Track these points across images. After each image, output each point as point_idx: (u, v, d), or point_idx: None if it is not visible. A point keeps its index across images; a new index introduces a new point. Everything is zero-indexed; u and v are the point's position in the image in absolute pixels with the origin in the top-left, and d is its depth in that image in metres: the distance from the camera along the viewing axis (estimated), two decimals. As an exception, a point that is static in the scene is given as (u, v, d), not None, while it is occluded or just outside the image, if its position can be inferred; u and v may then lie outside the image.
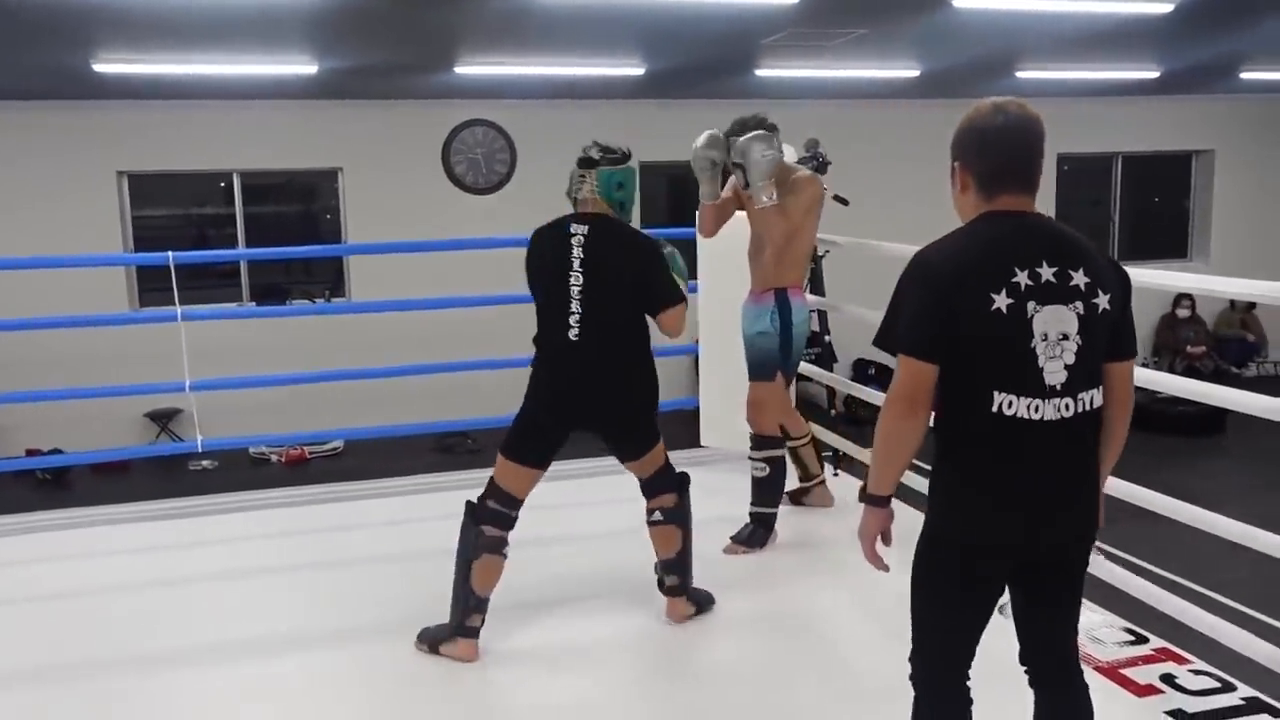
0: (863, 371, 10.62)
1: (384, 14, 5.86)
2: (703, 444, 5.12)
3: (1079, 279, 1.99)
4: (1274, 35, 7.50)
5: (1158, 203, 12.03)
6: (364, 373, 6.23)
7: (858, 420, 7.98)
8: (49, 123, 8.51)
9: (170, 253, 4.74)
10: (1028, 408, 1.96)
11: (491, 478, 3.18)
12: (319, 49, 6.87)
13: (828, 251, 5.02)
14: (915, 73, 8.68)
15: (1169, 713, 2.73)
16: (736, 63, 7.94)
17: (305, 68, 7.30)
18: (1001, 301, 1.94)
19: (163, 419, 8.75)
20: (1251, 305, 11.25)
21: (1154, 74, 9.34)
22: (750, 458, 4.11)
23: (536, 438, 3.18)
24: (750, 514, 4.05)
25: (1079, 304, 1.98)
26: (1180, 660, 2.99)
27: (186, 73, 7.26)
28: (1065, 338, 1.97)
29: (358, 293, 9.43)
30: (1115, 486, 2.93)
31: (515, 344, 6.47)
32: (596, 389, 3.16)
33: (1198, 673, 2.92)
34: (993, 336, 1.95)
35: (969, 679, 2.16)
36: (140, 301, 9.02)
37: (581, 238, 3.14)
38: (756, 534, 4.01)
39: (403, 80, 8.21)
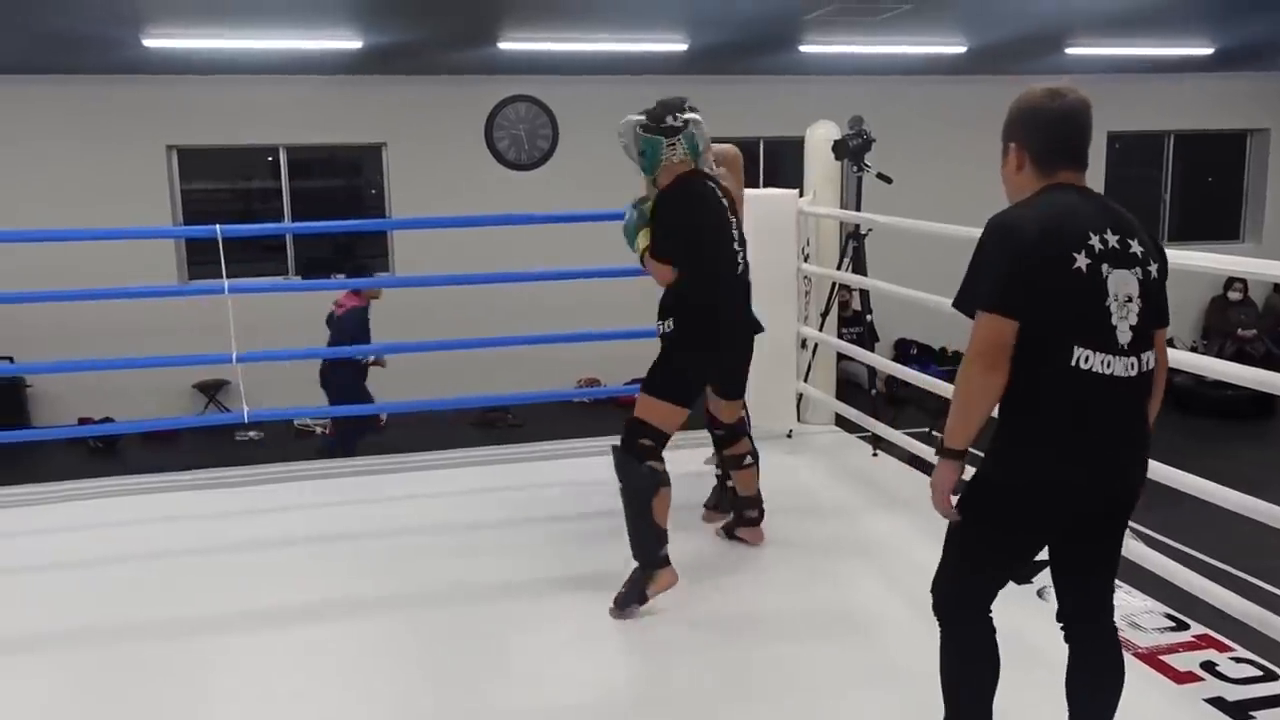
0: (904, 351, 10.56)
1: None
2: (743, 421, 5.13)
3: (1136, 248, 2.11)
4: (1335, 11, 7.32)
5: (1210, 182, 11.80)
6: (406, 346, 6.29)
7: (897, 400, 7.93)
8: (102, 97, 8.65)
9: (218, 226, 4.78)
10: (1103, 363, 2.05)
11: (639, 419, 3.31)
12: (364, 24, 6.91)
13: (870, 230, 4.98)
14: (962, 49, 8.56)
15: (1209, 700, 2.70)
16: (780, 38, 7.88)
17: (350, 43, 7.35)
18: (1082, 261, 2.04)
19: (211, 390, 8.91)
20: (1306, 288, 11.02)
21: (1208, 51, 9.14)
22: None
23: (698, 378, 3.45)
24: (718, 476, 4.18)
25: (1139, 270, 2.10)
26: (1221, 648, 2.96)
27: (234, 47, 7.34)
28: (1130, 300, 2.08)
29: (401, 267, 9.51)
30: (1157, 470, 2.90)
31: (556, 320, 6.52)
32: (748, 324, 3.52)
33: (1239, 660, 2.89)
34: (1074, 291, 2.04)
35: (991, 612, 2.26)
36: (189, 274, 9.17)
37: (715, 187, 3.44)
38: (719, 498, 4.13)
39: (446, 56, 8.24)
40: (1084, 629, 2.28)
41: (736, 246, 3.46)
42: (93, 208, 8.43)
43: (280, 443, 8.36)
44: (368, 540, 4.00)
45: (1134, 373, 2.09)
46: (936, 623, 2.29)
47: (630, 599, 3.22)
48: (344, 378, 6.97)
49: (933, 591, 2.28)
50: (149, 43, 7.01)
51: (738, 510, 3.78)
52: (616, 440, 3.34)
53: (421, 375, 7.85)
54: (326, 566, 3.74)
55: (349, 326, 6.83)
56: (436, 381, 7.61)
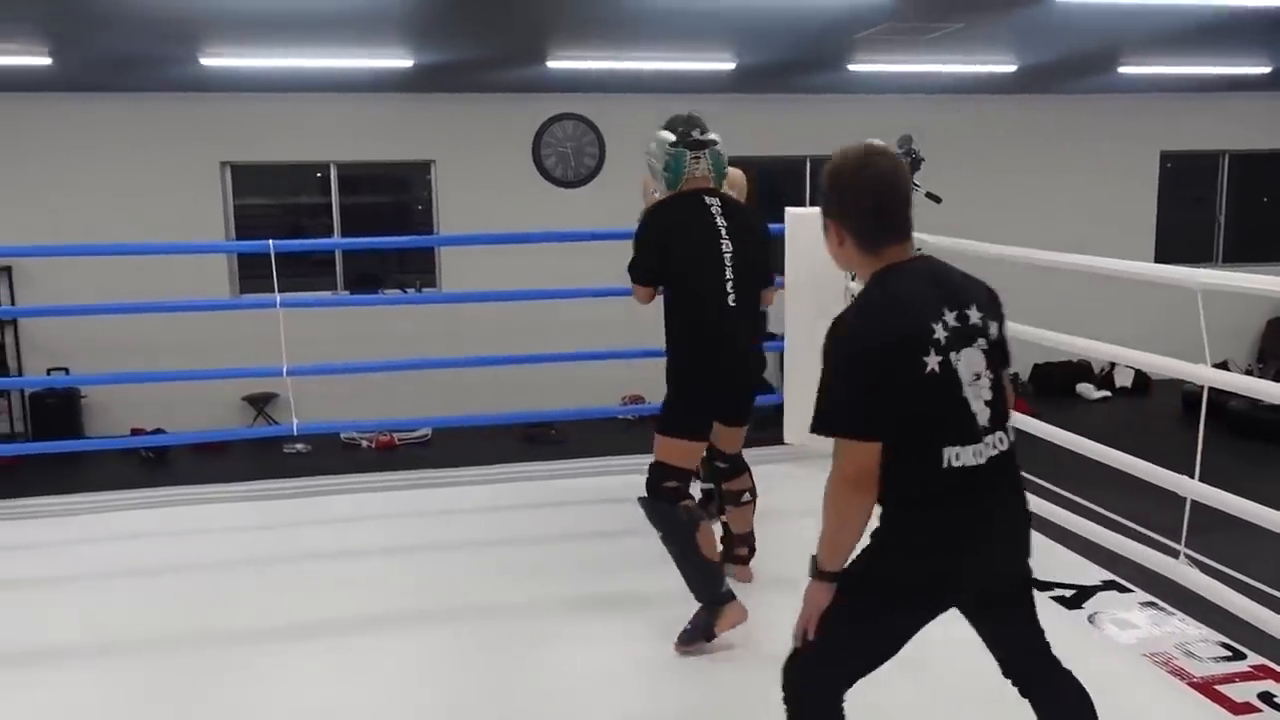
0: (951, 371, 10.45)
1: (478, 8, 5.95)
2: (786, 440, 5.10)
3: (975, 316, 2.02)
4: (1397, 29, 7.16)
5: (1266, 203, 11.57)
6: (453, 361, 6.34)
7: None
8: (159, 114, 8.84)
9: (271, 241, 4.87)
10: (973, 454, 1.98)
11: (659, 462, 3.23)
12: (415, 43, 7.01)
13: (918, 250, 4.94)
14: (1012, 68, 8.49)
15: (1266, 732, 2.65)
16: (829, 57, 7.87)
17: (401, 61, 7.45)
18: (933, 361, 1.95)
19: (260, 402, 9.03)
20: (1366, 311, 10.76)
21: (1265, 69, 8.98)
22: None
23: (704, 411, 3.29)
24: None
25: (982, 340, 2.02)
26: (1280, 678, 2.90)
27: (288, 66, 7.48)
28: (979, 377, 2.00)
29: (448, 283, 9.60)
30: (1210, 495, 2.85)
31: (600, 337, 6.54)
32: (747, 358, 3.35)
33: (1298, 692, 2.82)
34: (931, 395, 1.96)
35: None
36: (241, 288, 9.32)
37: (718, 209, 3.27)
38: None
39: (495, 74, 8.33)
40: (1036, 675, 2.21)
41: (729, 274, 3.21)
42: (149, 222, 8.61)
43: (327, 455, 8.44)
44: (410, 554, 4.03)
45: (1002, 447, 2.03)
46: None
47: (695, 636, 3.11)
48: None
49: (793, 672, 2.14)
50: (206, 62, 7.17)
51: (728, 546, 3.62)
52: (642, 492, 3.25)
53: (467, 390, 7.92)
54: (368, 580, 3.77)
55: None
56: (482, 396, 7.67)
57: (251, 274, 9.13)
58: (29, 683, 3.06)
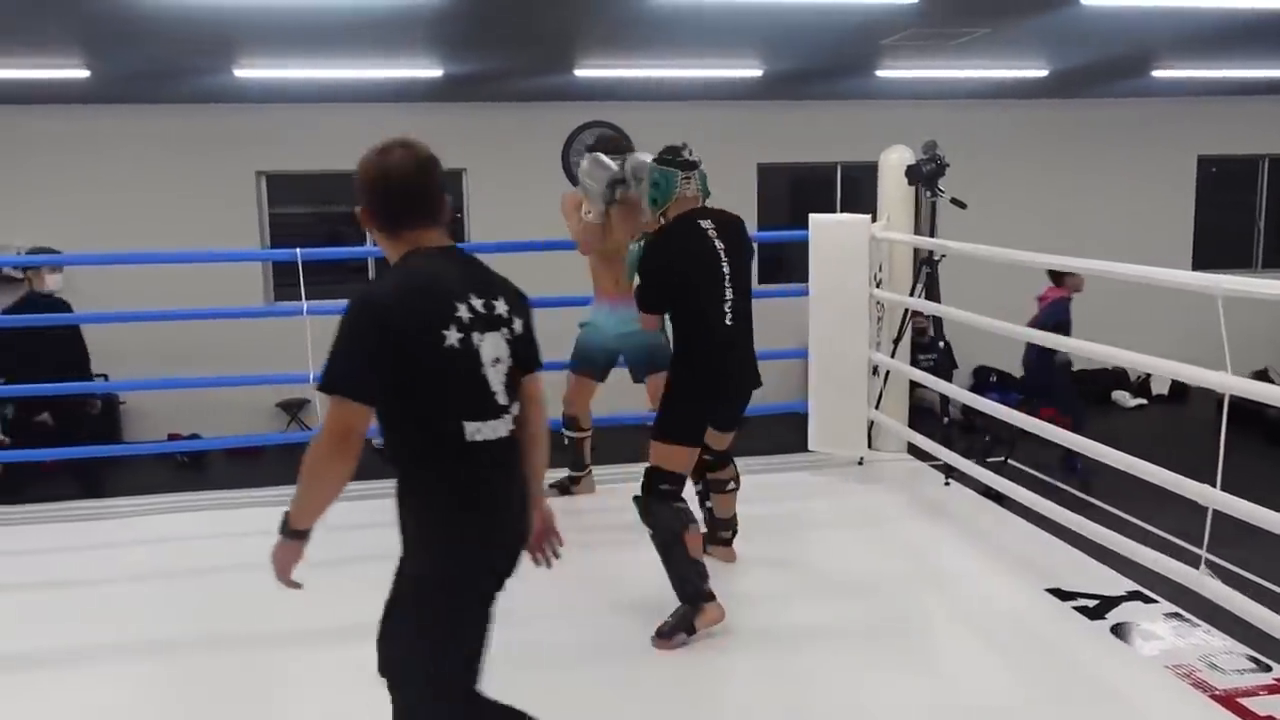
0: (984, 378, 10.38)
1: (505, 19, 6.00)
2: (810, 448, 5.10)
3: (500, 308, 2.20)
4: None
5: (1308, 207, 11.40)
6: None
7: (972, 428, 7.81)
8: (194, 125, 8.99)
9: (298, 249, 4.95)
10: (492, 430, 2.13)
11: (655, 466, 3.36)
12: (443, 53, 7.08)
13: (943, 257, 4.93)
14: (1043, 72, 8.43)
15: (1290, 745, 2.62)
16: (856, 63, 7.85)
17: (430, 71, 7.53)
18: (453, 337, 2.07)
19: (293, 408, 9.15)
20: None
21: (1305, 71, 8.86)
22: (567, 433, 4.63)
23: (702, 421, 3.43)
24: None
25: (505, 330, 2.19)
26: (1307, 692, 2.85)
27: (319, 77, 7.58)
28: (498, 361, 2.16)
29: (478, 290, 9.66)
30: (1235, 506, 2.82)
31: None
32: (745, 377, 3.50)
33: (1324, 705, 2.78)
34: (453, 368, 2.08)
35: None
36: (276, 295, 9.45)
37: (714, 231, 3.38)
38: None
39: (523, 83, 8.39)
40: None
41: (729, 295, 3.36)
42: (186, 231, 8.74)
43: (360, 461, 8.52)
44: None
45: (512, 429, 2.18)
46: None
47: (677, 629, 3.23)
48: (1041, 376, 7.11)
49: (416, 707, 2.21)
50: (240, 73, 7.29)
51: (713, 529, 3.86)
52: (637, 492, 3.39)
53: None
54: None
55: (1046, 319, 6.80)
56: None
57: (287, 281, 9.24)
58: (65, 683, 3.12)
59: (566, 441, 4.71)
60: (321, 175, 9.64)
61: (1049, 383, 7.18)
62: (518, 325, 2.23)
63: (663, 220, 3.50)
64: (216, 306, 7.91)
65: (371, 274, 9.61)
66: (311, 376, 4.88)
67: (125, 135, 8.95)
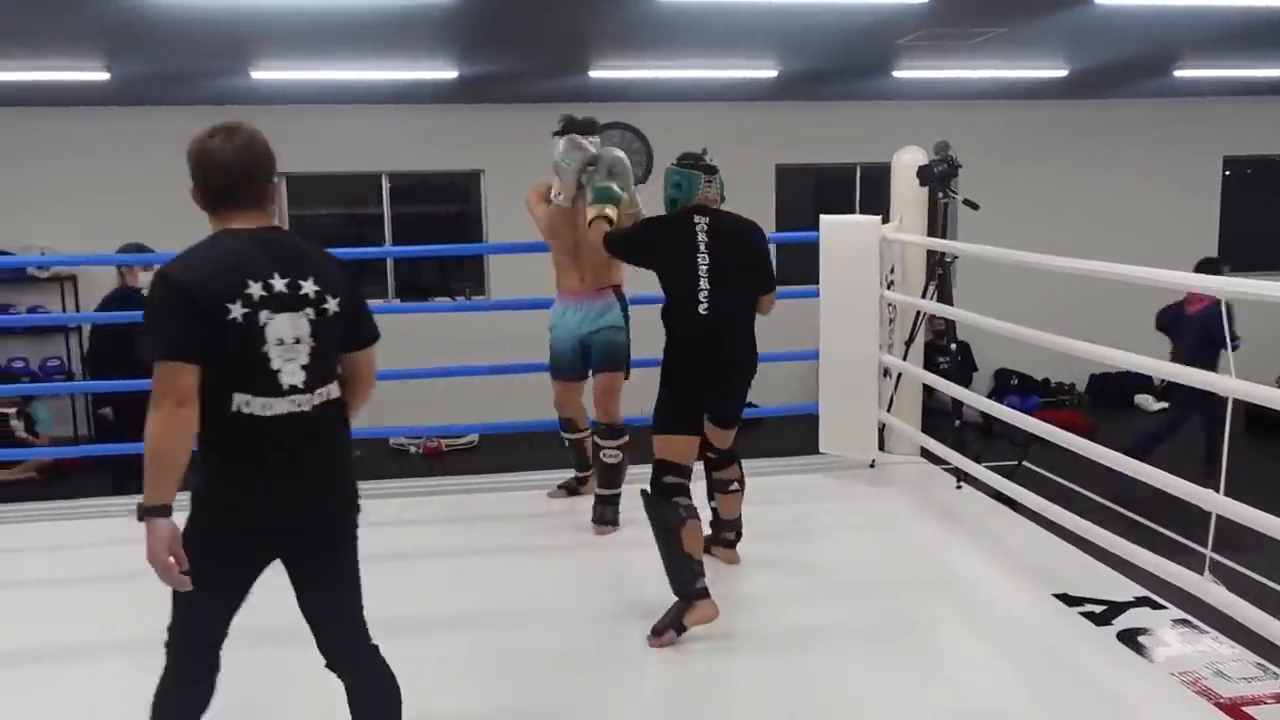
0: (1005, 381, 10.30)
1: (519, 20, 6.02)
2: (821, 450, 5.07)
3: (309, 288, 2.22)
4: None
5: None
6: (501, 368, 6.37)
7: (990, 432, 7.74)
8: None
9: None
10: (262, 406, 2.16)
11: (659, 459, 3.43)
12: (458, 55, 7.10)
13: (955, 258, 4.89)
14: (1062, 73, 8.35)
15: (1296, 755, 2.57)
16: (872, 63, 7.81)
17: (445, 73, 7.56)
18: (238, 311, 2.13)
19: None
20: None
21: (1333, 70, 8.73)
22: (602, 445, 4.37)
23: (686, 409, 3.51)
24: (601, 496, 4.32)
25: (310, 310, 2.21)
26: (1315, 700, 2.80)
27: (336, 79, 7.63)
28: (299, 341, 2.19)
29: (497, 291, 9.69)
30: (1240, 513, 2.78)
31: (647, 343, 6.54)
32: (730, 364, 3.54)
33: (1333, 714, 2.73)
34: (231, 341, 2.13)
35: (221, 649, 2.35)
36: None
37: (705, 226, 3.49)
38: (609, 512, 4.27)
39: (539, 84, 8.40)
40: (342, 653, 2.40)
41: (704, 285, 3.41)
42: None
43: (376, 461, 8.56)
44: (458, 558, 4.09)
45: (308, 408, 2.21)
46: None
47: (668, 626, 3.24)
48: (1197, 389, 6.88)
49: (169, 631, 2.33)
50: (257, 75, 7.34)
51: (716, 530, 3.85)
52: (645, 486, 3.43)
53: (514, 396, 7.97)
54: (416, 583, 3.79)
55: (1214, 329, 6.50)
56: (529, 403, 7.70)
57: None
58: (81, 677, 3.16)
59: (566, 444, 4.69)
60: (343, 176, 9.71)
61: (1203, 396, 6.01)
62: (330, 304, 2.25)
63: None
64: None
65: (391, 275, 9.66)
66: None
67: (145, 137, 9.02)
